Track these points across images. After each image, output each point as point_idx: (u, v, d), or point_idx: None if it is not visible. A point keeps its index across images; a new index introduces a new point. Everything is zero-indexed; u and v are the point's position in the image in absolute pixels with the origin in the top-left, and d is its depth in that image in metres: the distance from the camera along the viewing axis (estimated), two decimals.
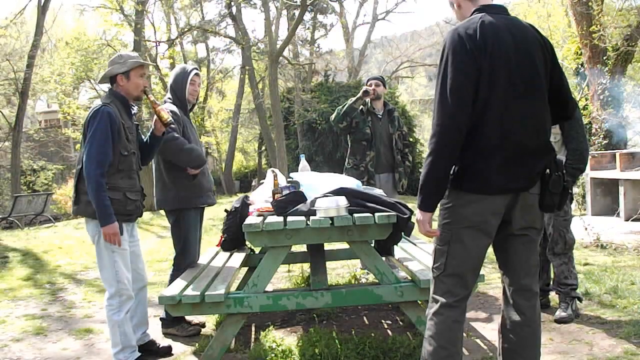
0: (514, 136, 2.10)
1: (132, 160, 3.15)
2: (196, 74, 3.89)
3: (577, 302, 3.72)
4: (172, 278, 3.70)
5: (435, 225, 2.25)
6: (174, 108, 3.71)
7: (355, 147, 5.06)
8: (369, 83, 5.14)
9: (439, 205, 2.22)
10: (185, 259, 3.76)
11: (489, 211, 2.14)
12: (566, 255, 3.67)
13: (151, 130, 3.35)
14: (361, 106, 5.07)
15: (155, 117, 3.25)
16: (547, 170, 2.19)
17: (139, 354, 3.15)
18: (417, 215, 2.21)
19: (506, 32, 2.11)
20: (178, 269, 3.73)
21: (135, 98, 3.19)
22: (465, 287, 2.21)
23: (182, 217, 3.72)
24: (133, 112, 3.23)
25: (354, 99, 5.00)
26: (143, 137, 3.40)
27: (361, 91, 4.94)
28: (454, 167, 2.16)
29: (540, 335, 2.28)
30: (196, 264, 3.79)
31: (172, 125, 3.42)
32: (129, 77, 3.11)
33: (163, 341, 3.61)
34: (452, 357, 2.20)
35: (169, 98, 3.85)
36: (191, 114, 4.03)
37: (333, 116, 5.09)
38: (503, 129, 2.09)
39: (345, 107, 4.98)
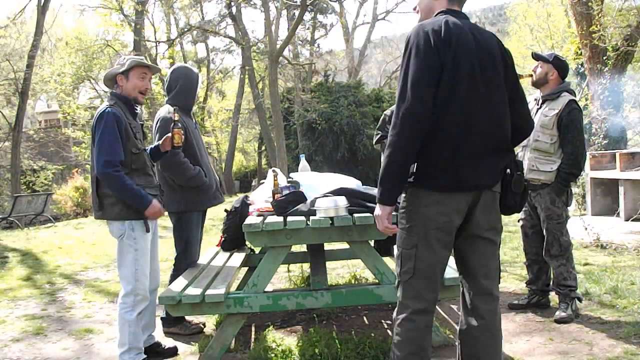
0: (476, 133, 2.10)
1: (145, 158, 3.14)
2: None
3: (577, 302, 3.72)
4: (173, 278, 3.70)
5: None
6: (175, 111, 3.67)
7: None
8: None
9: (399, 206, 2.20)
10: (185, 259, 3.76)
11: (454, 210, 2.13)
12: (563, 256, 3.67)
13: (156, 144, 3.38)
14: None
15: (170, 134, 3.30)
16: (508, 170, 2.20)
17: (145, 355, 3.14)
18: (376, 210, 2.16)
19: (469, 34, 2.14)
20: (178, 270, 3.73)
21: (134, 99, 3.15)
22: (434, 291, 2.18)
23: (184, 218, 3.71)
24: (137, 112, 3.23)
25: None
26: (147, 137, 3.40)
27: None
28: (414, 165, 2.13)
29: (501, 340, 2.24)
30: (196, 264, 3.78)
31: (179, 149, 3.43)
32: (128, 77, 3.11)
33: (165, 341, 3.61)
34: None
35: (172, 98, 3.77)
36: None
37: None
38: (465, 125, 2.09)
39: None
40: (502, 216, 2.30)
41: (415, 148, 2.07)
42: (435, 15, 2.22)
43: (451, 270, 2.98)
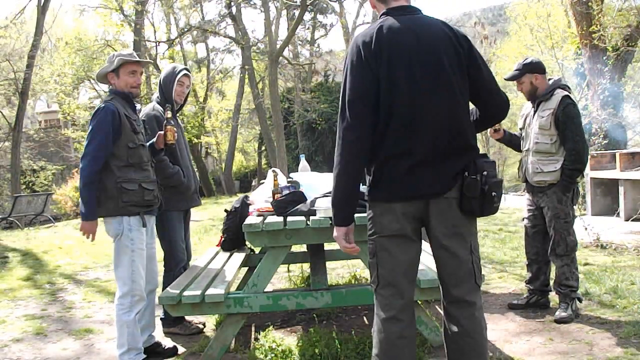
0: (423, 140, 2.04)
1: (142, 153, 3.13)
2: (185, 75, 3.81)
3: (577, 302, 3.71)
4: (165, 279, 3.70)
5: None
6: (159, 108, 3.66)
7: None
8: None
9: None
10: (174, 258, 3.73)
11: (403, 216, 2.10)
12: (568, 257, 3.66)
13: (151, 142, 3.38)
14: None
15: (163, 132, 3.31)
16: (466, 173, 2.07)
17: (144, 355, 3.14)
18: (334, 231, 2.18)
19: (408, 34, 2.05)
20: (169, 270, 3.72)
21: (129, 94, 3.15)
22: (402, 297, 2.12)
23: (164, 218, 3.67)
24: (137, 106, 3.23)
25: None
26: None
27: None
28: (368, 178, 2.14)
29: (485, 344, 2.16)
30: (185, 262, 3.78)
31: (172, 147, 3.42)
32: (118, 74, 3.12)
33: (165, 341, 3.61)
34: None
35: (157, 97, 3.82)
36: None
37: None
38: (410, 133, 2.04)
39: None
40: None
41: (359, 167, 2.09)
42: (379, 17, 2.16)
43: None
